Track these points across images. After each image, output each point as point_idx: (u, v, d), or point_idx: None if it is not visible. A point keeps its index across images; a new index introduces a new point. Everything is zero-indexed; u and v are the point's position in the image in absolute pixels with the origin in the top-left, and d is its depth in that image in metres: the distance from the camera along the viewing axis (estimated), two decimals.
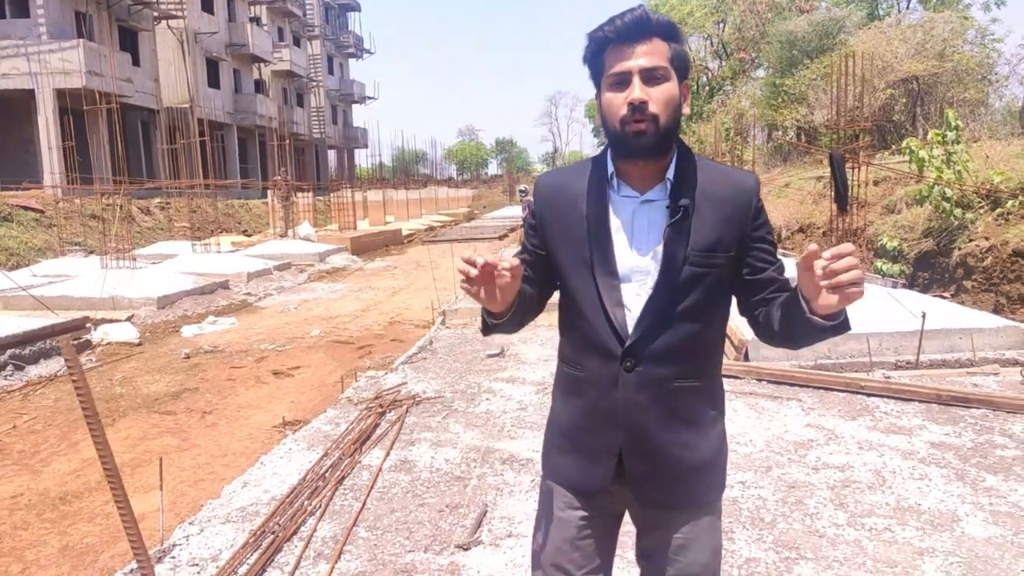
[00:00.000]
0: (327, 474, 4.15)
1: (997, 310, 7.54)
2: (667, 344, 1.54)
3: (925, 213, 9.93)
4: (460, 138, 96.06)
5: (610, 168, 1.60)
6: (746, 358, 6.08)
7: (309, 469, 4.20)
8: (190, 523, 3.60)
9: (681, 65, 1.53)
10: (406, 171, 43.67)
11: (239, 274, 13.55)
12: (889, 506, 3.46)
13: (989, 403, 4.86)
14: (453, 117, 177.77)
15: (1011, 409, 4.77)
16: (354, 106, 56.09)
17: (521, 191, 15.60)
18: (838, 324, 1.41)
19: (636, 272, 1.55)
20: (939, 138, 9.32)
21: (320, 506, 3.72)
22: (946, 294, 8.55)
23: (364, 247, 20.67)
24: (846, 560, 2.99)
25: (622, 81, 1.50)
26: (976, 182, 9.02)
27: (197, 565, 3.18)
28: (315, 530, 3.45)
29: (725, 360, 6.22)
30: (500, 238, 22.74)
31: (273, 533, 3.43)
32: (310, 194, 24.87)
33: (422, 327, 9.13)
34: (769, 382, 5.61)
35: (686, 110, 1.57)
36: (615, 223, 1.58)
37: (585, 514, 1.65)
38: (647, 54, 1.48)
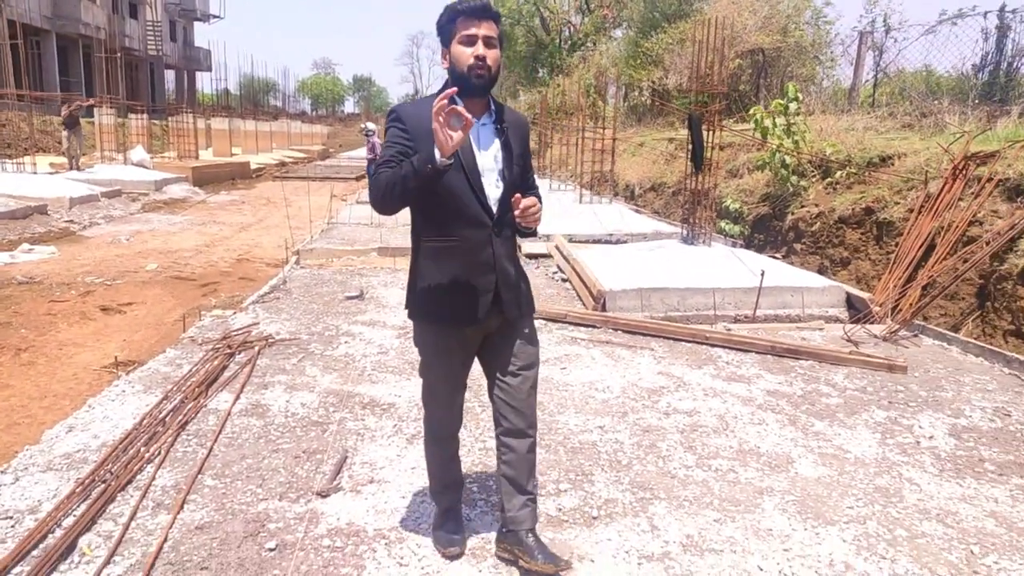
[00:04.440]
0: (167, 419, 3.82)
1: (822, 271, 8.25)
2: (506, 216, 2.38)
3: (764, 179, 10.63)
4: (315, 71, 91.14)
5: (459, 102, 2.20)
6: (603, 308, 6.25)
7: (146, 413, 3.85)
8: (2, 471, 3.18)
9: (502, 39, 2.35)
10: (255, 100, 40.92)
11: (60, 199, 12.17)
12: (732, 449, 3.69)
13: (816, 355, 5.32)
14: (308, 48, 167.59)
15: (834, 361, 5.24)
16: (196, 24, 51.31)
17: (365, 130, 15.05)
18: (532, 232, 2.45)
19: (486, 170, 2.35)
20: (781, 108, 9.94)
21: (160, 453, 3.42)
22: (778, 255, 9.24)
23: (207, 178, 19.24)
24: (695, 499, 3.15)
25: (471, 41, 2.26)
26: (811, 152, 9.74)
27: (11, 518, 2.82)
28: (154, 478, 3.16)
29: (584, 309, 6.41)
30: (357, 179, 21.97)
31: (104, 482, 3.10)
32: (144, 116, 22.66)
33: (274, 266, 8.66)
34: (624, 331, 5.81)
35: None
36: (470, 136, 2.32)
37: (461, 346, 2.47)
38: (488, 28, 2.27)
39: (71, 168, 16.64)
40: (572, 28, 36.24)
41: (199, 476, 3.21)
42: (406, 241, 9.59)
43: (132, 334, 5.96)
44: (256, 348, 5.03)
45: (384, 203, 2.25)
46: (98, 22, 31.71)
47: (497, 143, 2.38)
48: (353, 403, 4.14)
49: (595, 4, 34.10)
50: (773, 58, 18.95)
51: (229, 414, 3.91)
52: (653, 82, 21.84)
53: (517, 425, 2.49)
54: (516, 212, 2.26)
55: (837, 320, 6.49)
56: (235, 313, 6.02)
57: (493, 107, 2.39)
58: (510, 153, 2.39)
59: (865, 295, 6.59)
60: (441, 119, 2.04)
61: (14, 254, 8.62)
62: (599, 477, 3.33)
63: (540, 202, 2.39)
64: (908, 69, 13.16)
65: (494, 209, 2.36)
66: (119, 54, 22.45)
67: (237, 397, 4.14)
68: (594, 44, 32.38)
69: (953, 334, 5.83)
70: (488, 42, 2.26)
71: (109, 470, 3.22)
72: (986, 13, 11.36)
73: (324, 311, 6.14)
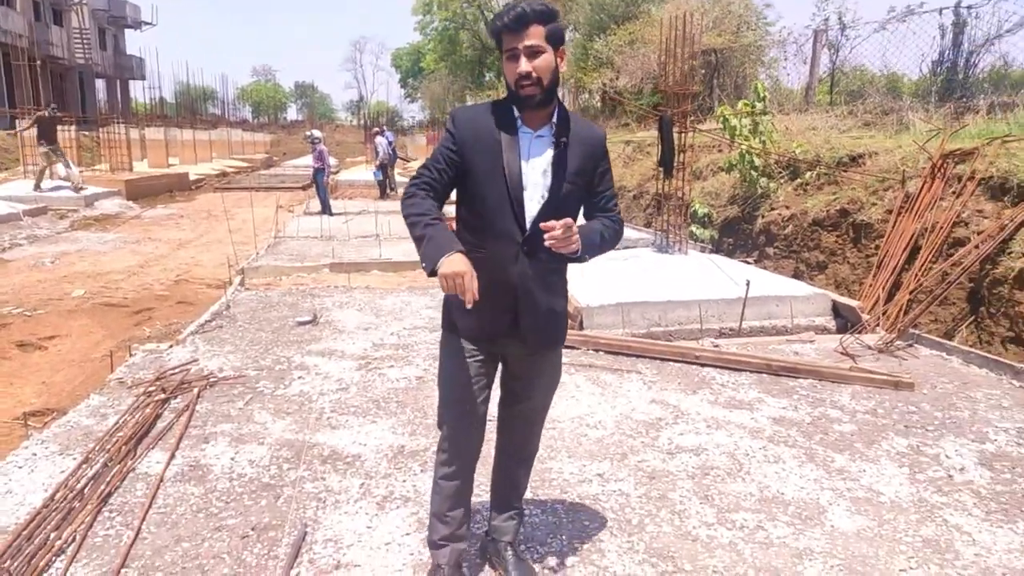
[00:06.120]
0: (86, 490, 3.17)
1: (797, 276, 7.93)
2: (542, 236, 2.09)
3: (731, 181, 10.33)
4: (255, 78, 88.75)
5: (516, 112, 2.19)
6: (581, 327, 5.77)
7: (60, 483, 3.20)
8: None
9: (555, 39, 2.12)
10: (192, 109, 39.30)
11: None
12: (753, 497, 3.23)
13: (816, 373, 4.93)
14: (246, 54, 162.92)
15: (835, 379, 4.86)
16: (128, 31, 49.28)
17: (311, 137, 14.49)
18: (579, 259, 2.19)
19: (531, 184, 2.18)
20: (748, 108, 9.65)
21: (74, 538, 2.79)
22: (750, 260, 8.93)
23: (142, 191, 18.19)
24: (726, 569, 2.67)
25: (514, 56, 2.10)
26: (779, 152, 9.47)
27: None
28: None
29: None
30: (304, 188, 21.12)
31: None
32: (72, 128, 21.36)
33: (216, 287, 7.94)
34: (607, 352, 5.34)
35: (563, 68, 2.17)
36: (520, 148, 2.19)
37: (481, 358, 2.30)
38: (528, 37, 2.08)
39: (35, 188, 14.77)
40: None
41: (123, 571, 2.59)
42: (360, 255, 9.00)
43: (53, 375, 5.24)
44: (195, 390, 4.38)
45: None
46: (17, 29, 30.02)
47: (549, 156, 2.19)
48: (311, 456, 3.56)
49: None
50: (725, 59, 18.84)
51: (161, 480, 3.28)
52: (604, 84, 21.55)
53: (519, 450, 2.56)
54: (545, 236, 2.04)
55: (825, 330, 6.15)
56: (171, 346, 5.34)
57: (555, 119, 2.20)
58: (562, 170, 2.18)
59: (853, 303, 6.26)
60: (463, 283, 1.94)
61: None
62: (609, 544, 2.83)
63: (612, 228, 2.29)
64: (866, 67, 13.09)
65: (527, 226, 2.17)
66: (43, 63, 21.13)
67: (172, 456, 3.51)
68: None
69: (951, 343, 5.51)
70: (532, 52, 2.08)
71: (7, 569, 2.58)
72: (941, 10, 11.33)
73: (273, 340, 5.51)
